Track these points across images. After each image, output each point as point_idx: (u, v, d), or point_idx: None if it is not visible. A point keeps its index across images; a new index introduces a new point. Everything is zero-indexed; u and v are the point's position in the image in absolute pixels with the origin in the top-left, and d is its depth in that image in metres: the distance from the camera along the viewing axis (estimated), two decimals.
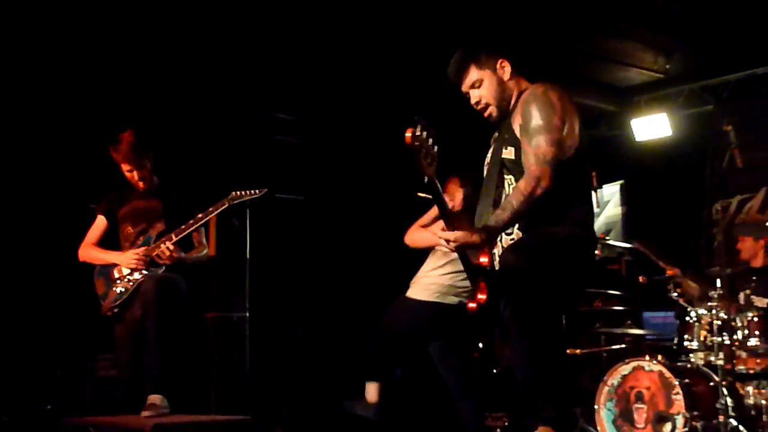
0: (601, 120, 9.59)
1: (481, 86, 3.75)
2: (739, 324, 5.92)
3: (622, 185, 9.58)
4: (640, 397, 5.97)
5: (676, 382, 5.80)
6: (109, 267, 5.30)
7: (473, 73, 3.74)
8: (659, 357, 6.10)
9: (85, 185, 6.84)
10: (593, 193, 7.08)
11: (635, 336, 6.73)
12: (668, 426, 5.80)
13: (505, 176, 3.66)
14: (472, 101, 3.79)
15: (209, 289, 7.10)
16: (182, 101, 7.77)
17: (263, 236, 7.76)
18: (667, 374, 5.87)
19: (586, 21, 7.57)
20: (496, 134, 3.86)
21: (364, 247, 8.89)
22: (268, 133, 8.53)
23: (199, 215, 5.21)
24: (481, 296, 3.51)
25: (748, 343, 5.89)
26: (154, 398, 4.94)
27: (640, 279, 6.85)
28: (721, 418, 5.56)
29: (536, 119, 3.54)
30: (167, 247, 5.12)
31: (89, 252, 5.44)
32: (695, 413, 5.78)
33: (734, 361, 5.85)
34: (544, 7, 7.19)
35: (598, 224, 9.58)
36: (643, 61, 8.47)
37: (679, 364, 6.09)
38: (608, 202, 9.53)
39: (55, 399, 6.49)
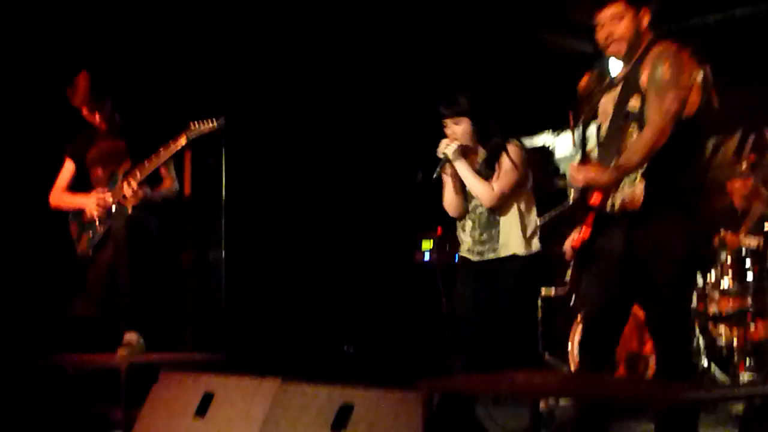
0: (578, 59, 9.48)
1: (621, 22, 3.76)
2: (713, 265, 5.96)
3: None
4: None
5: None
6: (81, 210, 5.26)
7: (620, 7, 3.75)
8: None
9: (58, 127, 6.72)
10: (570, 132, 7.13)
11: None
12: (641, 366, 5.87)
13: (630, 126, 3.70)
14: (604, 32, 3.79)
15: (185, 228, 7.08)
16: (159, 36, 7.57)
17: (239, 174, 7.71)
18: (641, 315, 5.92)
19: None
20: (612, 83, 3.89)
21: (341, 186, 8.87)
22: (243, 71, 8.37)
23: (161, 151, 5.13)
24: (587, 230, 3.63)
25: (721, 285, 5.93)
26: (130, 336, 4.95)
27: None
28: (694, 359, 5.62)
29: (667, 74, 3.63)
30: (131, 187, 5.06)
31: (59, 197, 5.40)
32: None
33: (707, 302, 5.91)
34: None
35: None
36: None
37: None
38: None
39: (30, 338, 6.47)
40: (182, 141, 5.09)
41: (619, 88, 3.78)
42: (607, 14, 3.76)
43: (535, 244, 4.71)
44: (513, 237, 4.65)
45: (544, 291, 6.60)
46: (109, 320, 5.18)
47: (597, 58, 4.35)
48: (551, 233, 7.24)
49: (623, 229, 3.68)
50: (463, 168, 4.65)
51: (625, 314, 3.86)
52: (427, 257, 8.36)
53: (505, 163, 4.64)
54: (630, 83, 3.72)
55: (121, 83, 5.49)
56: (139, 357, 4.80)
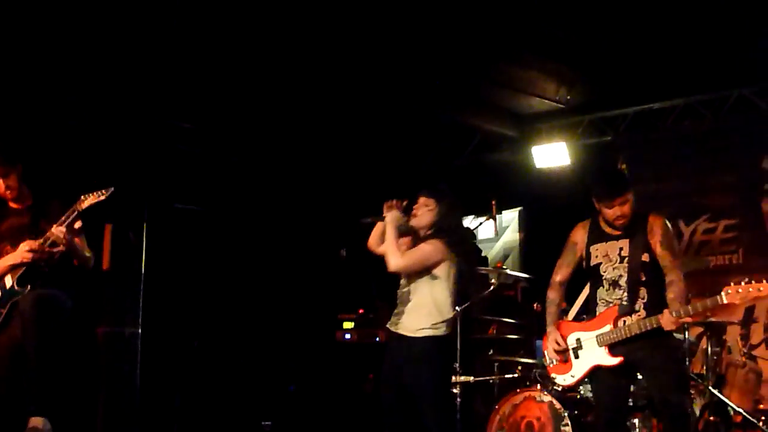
0: (502, 145, 9.69)
1: (626, 205, 5.04)
2: None
3: (520, 212, 9.72)
4: (530, 427, 6.07)
5: (566, 414, 5.91)
6: None
7: (628, 196, 5.05)
8: (550, 387, 6.19)
9: None
10: (492, 220, 7.22)
11: (527, 365, 6.81)
12: None
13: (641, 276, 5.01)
14: (618, 213, 5.04)
15: (101, 303, 6.95)
16: (78, 105, 7.53)
17: (160, 247, 7.62)
18: (557, 405, 5.97)
19: (492, 48, 7.66)
20: (606, 236, 5.17)
21: (261, 259, 8.84)
22: (168, 142, 8.35)
23: (53, 226, 5.00)
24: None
25: None
26: (36, 421, 4.79)
27: (535, 306, 6.94)
28: None
29: (673, 240, 5.12)
30: (60, 230, 4.93)
31: None
32: None
33: None
34: (452, 33, 7.25)
35: (496, 250, 9.69)
36: (546, 90, 8.62)
37: (569, 394, 6.19)
38: (506, 228, 9.66)
39: None
40: (72, 215, 5.00)
41: (624, 243, 5.08)
42: (617, 201, 5.03)
43: (441, 329, 4.90)
44: (418, 318, 4.93)
45: (462, 378, 6.59)
46: (12, 402, 5.00)
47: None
48: (471, 319, 7.31)
49: (628, 348, 4.91)
50: (390, 231, 5.01)
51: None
52: (347, 336, 8.35)
53: (424, 246, 4.97)
54: (639, 243, 5.05)
55: (32, 157, 5.38)
56: None
